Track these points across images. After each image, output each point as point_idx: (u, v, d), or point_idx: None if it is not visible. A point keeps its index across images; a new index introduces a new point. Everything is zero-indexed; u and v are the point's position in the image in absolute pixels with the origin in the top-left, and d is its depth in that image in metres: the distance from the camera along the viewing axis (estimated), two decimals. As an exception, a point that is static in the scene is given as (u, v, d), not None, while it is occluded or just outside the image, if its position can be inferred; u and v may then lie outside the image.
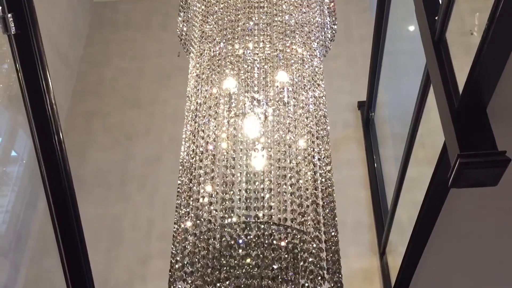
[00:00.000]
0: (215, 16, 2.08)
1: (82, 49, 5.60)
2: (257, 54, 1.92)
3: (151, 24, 5.83)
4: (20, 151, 4.55)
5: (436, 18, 2.02)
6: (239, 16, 2.00)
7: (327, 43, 2.33)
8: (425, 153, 3.50)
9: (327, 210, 1.75)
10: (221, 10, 2.06)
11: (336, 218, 1.83)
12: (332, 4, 2.34)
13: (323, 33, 2.28)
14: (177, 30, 2.40)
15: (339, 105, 4.81)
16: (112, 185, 4.70)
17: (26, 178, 4.40)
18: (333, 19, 2.31)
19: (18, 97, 2.36)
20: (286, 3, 2.07)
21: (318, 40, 2.15)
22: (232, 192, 1.63)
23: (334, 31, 2.33)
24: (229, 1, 2.06)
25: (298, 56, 1.97)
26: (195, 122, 1.85)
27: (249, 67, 1.92)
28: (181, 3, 2.32)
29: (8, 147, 4.43)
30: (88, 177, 4.68)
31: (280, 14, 2.03)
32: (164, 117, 5.09)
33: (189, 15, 2.40)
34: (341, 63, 5.02)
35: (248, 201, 1.61)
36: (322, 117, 1.90)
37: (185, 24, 2.35)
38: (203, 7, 2.16)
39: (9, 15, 1.85)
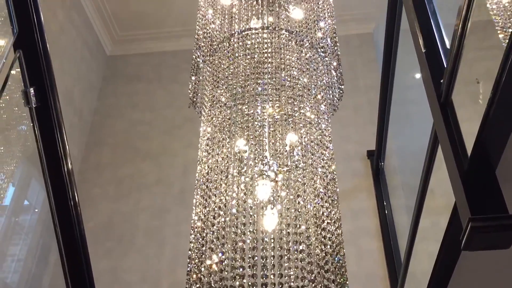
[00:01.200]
0: (225, 81, 2.14)
1: (96, 102, 5.73)
2: (266, 119, 1.96)
3: (162, 76, 5.97)
4: (33, 200, 4.59)
5: (442, 81, 2.05)
6: (248, 82, 2.06)
7: (335, 101, 2.37)
8: (437, 203, 3.48)
9: (337, 274, 1.74)
10: (230, 76, 2.12)
11: (348, 282, 1.82)
12: (339, 65, 2.40)
13: (330, 93, 2.33)
14: (189, 92, 2.46)
15: (348, 155, 4.83)
16: (123, 237, 4.70)
17: (39, 228, 4.42)
18: (340, 80, 2.37)
19: (34, 154, 2.41)
20: (294, 68, 2.13)
21: (325, 102, 2.20)
22: (242, 258, 1.63)
23: (341, 91, 2.38)
24: (238, 67, 2.12)
25: (307, 120, 2.00)
26: (207, 187, 1.87)
27: (259, 131, 1.96)
28: (192, 68, 2.39)
29: (21, 196, 4.48)
30: (99, 229, 4.69)
31: (289, 79, 2.08)
32: (174, 167, 5.14)
33: (200, 78, 2.47)
34: (348, 112, 5.08)
35: (257, 268, 1.61)
36: (331, 180, 1.91)
37: (196, 86, 2.41)
38: (213, 72, 2.23)
39: (31, 89, 1.93)
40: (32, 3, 1.93)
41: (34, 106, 1.97)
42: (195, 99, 2.42)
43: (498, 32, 2.64)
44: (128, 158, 5.26)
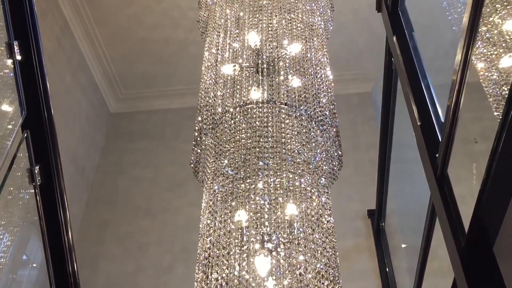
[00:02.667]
0: (226, 154, 2.21)
1: (98, 159, 5.80)
2: (267, 194, 2.00)
3: (165, 133, 6.07)
4: (31, 255, 4.56)
5: (437, 155, 2.11)
6: (250, 156, 2.12)
7: (334, 171, 2.42)
8: (439, 264, 3.47)
9: None
10: (232, 149, 2.18)
11: None
12: (338, 136, 2.47)
13: (330, 164, 2.39)
14: (191, 160, 2.52)
15: (349, 214, 4.84)
16: (122, 298, 4.64)
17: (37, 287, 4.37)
18: (339, 151, 2.43)
19: (34, 214, 2.44)
20: (295, 141, 2.19)
21: (325, 174, 2.25)
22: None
23: (341, 162, 2.44)
24: (240, 141, 2.19)
25: (307, 195, 2.05)
26: (209, 262, 1.89)
27: (259, 204, 2.00)
28: (194, 139, 2.46)
29: (20, 251, 4.45)
30: (99, 290, 4.64)
31: (289, 153, 2.14)
32: (176, 226, 5.13)
33: (202, 147, 2.53)
34: (349, 171, 5.12)
35: None
36: (332, 256, 1.93)
37: (198, 156, 2.47)
38: (215, 144, 2.29)
39: (36, 167, 2.00)
40: (41, 85, 2.03)
41: (38, 184, 2.03)
42: (197, 169, 2.47)
43: (491, 101, 2.73)
44: (129, 216, 5.27)
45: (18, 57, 1.95)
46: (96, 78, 5.81)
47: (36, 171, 1.99)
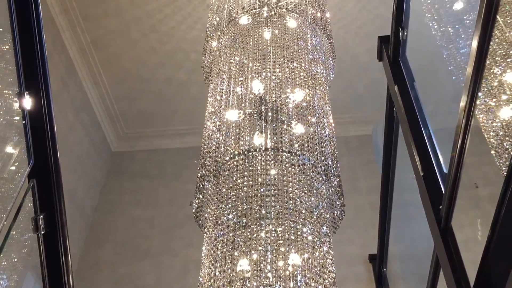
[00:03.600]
0: (228, 202, 2.20)
1: (98, 198, 5.77)
2: (269, 244, 1.98)
3: (165, 173, 6.06)
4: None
5: (440, 207, 2.11)
6: (251, 204, 2.11)
7: (336, 220, 2.41)
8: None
9: None
10: (234, 197, 2.17)
11: None
12: (340, 185, 2.47)
13: (332, 213, 2.38)
14: (191, 202, 2.50)
15: (350, 258, 4.78)
16: None
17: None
18: (342, 200, 2.42)
19: (35, 258, 2.40)
20: (298, 190, 2.19)
21: (327, 222, 2.24)
22: None
23: (343, 211, 2.43)
24: (242, 189, 2.19)
25: (309, 244, 2.03)
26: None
27: (261, 253, 1.98)
28: (197, 186, 2.45)
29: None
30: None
31: (291, 202, 2.14)
32: (174, 268, 5.06)
33: (204, 191, 2.52)
34: (349, 214, 5.06)
35: None
36: (335, 309, 1.90)
37: (200, 204, 2.46)
38: (217, 191, 2.29)
39: (41, 216, 1.99)
40: (49, 135, 2.05)
41: (42, 232, 2.02)
42: (198, 215, 2.46)
43: (493, 153, 2.74)
44: (127, 256, 5.19)
45: (28, 107, 1.97)
46: (98, 117, 5.85)
47: (40, 220, 1.98)
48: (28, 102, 1.97)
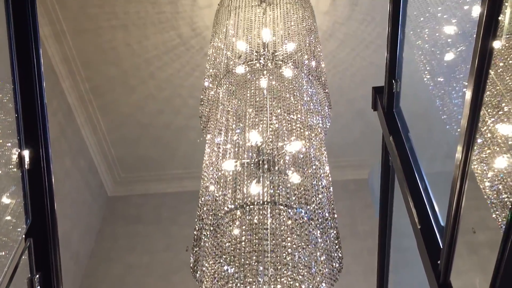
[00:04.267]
0: (226, 257, 2.18)
1: (93, 244, 5.70)
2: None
3: (161, 218, 6.02)
4: None
5: (439, 262, 2.10)
6: (249, 260, 2.09)
7: (335, 272, 2.39)
8: None
9: None
10: (232, 252, 2.16)
11: None
12: (338, 237, 2.46)
13: (330, 266, 2.36)
14: (190, 257, 2.48)
15: (349, 306, 4.69)
16: None
17: None
18: (340, 252, 2.41)
19: None
20: (295, 244, 2.18)
21: (325, 278, 2.22)
22: None
23: (341, 264, 2.41)
24: (240, 243, 2.18)
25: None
26: None
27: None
28: (194, 239, 2.44)
29: None
30: None
31: (289, 258, 2.12)
32: (169, 317, 4.96)
33: (200, 245, 2.50)
34: (347, 260, 5.01)
35: None
36: None
37: (197, 256, 2.43)
38: (214, 245, 2.27)
39: (36, 275, 1.98)
40: (48, 195, 2.06)
41: (37, 294, 2.00)
42: (196, 268, 2.43)
43: (489, 204, 2.75)
44: (121, 305, 5.09)
45: (27, 166, 1.99)
46: (95, 162, 5.86)
47: (36, 279, 1.96)
48: (27, 160, 1.99)
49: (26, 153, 2.00)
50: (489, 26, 1.72)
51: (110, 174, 6.22)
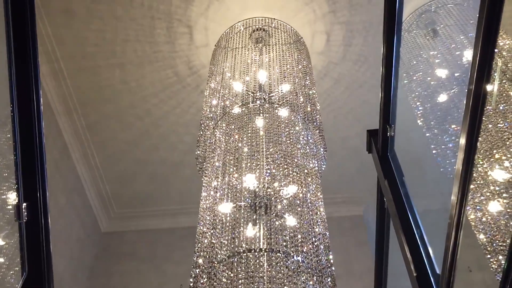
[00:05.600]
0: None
1: (86, 282, 5.62)
2: None
3: (155, 255, 5.97)
4: None
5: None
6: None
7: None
8: None
9: None
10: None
11: None
12: (335, 283, 2.46)
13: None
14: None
15: None
16: None
17: None
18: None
19: None
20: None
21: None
22: None
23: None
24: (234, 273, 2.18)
25: None
26: None
27: None
28: (190, 285, 2.43)
29: None
30: None
31: None
32: None
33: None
34: (344, 300, 5.00)
35: None
36: None
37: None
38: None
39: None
40: (45, 248, 2.06)
41: None
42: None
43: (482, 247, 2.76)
44: None
45: (25, 219, 2.00)
46: (90, 198, 5.84)
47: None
48: (25, 215, 2.00)
49: (24, 206, 2.01)
50: (482, 70, 1.75)
51: (105, 210, 6.19)
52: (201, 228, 2.64)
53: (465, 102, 3.28)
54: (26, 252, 2.03)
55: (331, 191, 5.70)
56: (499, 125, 2.79)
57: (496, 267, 2.43)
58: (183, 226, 6.05)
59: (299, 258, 2.30)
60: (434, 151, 3.36)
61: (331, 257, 2.54)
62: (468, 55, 3.64)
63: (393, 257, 4.39)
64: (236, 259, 2.32)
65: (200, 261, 2.44)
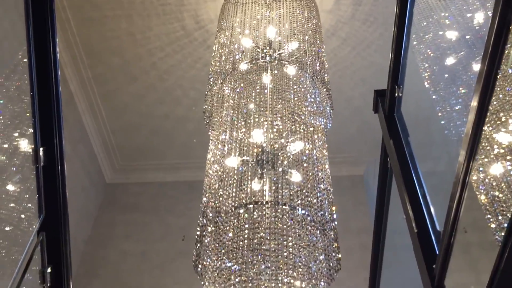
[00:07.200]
0: (228, 254, 2.24)
1: (90, 231, 5.74)
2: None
3: (159, 207, 6.06)
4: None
5: (434, 266, 2.17)
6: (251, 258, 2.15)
7: (332, 271, 2.45)
8: None
9: None
10: (235, 250, 2.22)
11: None
12: (337, 238, 2.52)
13: (328, 264, 2.42)
14: (193, 256, 2.53)
15: (340, 302, 4.78)
16: None
17: None
18: (338, 255, 2.47)
19: None
20: (296, 244, 2.24)
21: (324, 277, 2.28)
22: None
23: (339, 264, 2.47)
24: (244, 241, 2.23)
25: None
26: None
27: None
28: (197, 236, 2.49)
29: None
30: None
31: (291, 256, 2.18)
32: (164, 305, 5.03)
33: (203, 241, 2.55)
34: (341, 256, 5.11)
35: None
36: None
37: (199, 251, 2.49)
38: (217, 241, 2.33)
39: (48, 268, 2.02)
40: (61, 191, 2.10)
41: (48, 285, 2.04)
42: (197, 263, 2.49)
43: (483, 210, 2.82)
44: (116, 292, 5.15)
45: (42, 163, 2.03)
46: (95, 149, 5.89)
47: (47, 272, 2.01)
48: (42, 158, 2.03)
49: (41, 151, 2.04)
50: (501, 29, 1.72)
51: (109, 162, 6.25)
52: (209, 180, 2.68)
53: (474, 65, 3.25)
54: (44, 195, 2.07)
55: (332, 151, 5.71)
56: (507, 88, 2.77)
57: (495, 226, 2.48)
58: (186, 180, 6.12)
59: (304, 211, 2.35)
60: (439, 114, 3.36)
61: (334, 212, 2.59)
62: (479, 17, 3.58)
63: (392, 216, 4.46)
64: (242, 210, 2.36)
65: (207, 211, 2.49)
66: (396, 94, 2.93)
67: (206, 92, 3.54)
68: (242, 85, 3.07)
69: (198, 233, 2.50)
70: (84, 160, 5.66)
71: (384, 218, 4.11)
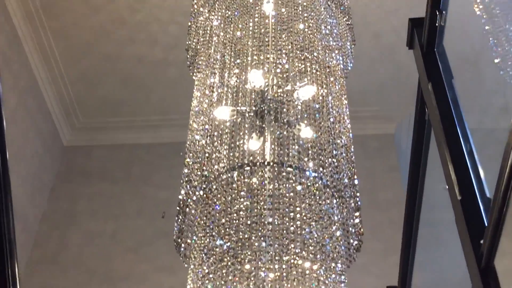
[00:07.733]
0: (220, 228, 2.26)
1: (45, 206, 5.80)
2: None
3: (131, 175, 6.11)
4: None
5: (482, 242, 2.18)
6: (248, 235, 2.17)
7: (351, 250, 2.49)
8: None
9: None
10: (228, 224, 2.24)
11: None
12: (359, 209, 2.54)
13: (347, 242, 2.45)
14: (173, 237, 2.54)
15: (364, 291, 4.87)
16: None
17: None
18: (359, 228, 2.49)
19: None
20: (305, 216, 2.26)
21: (342, 258, 2.31)
22: None
23: (360, 242, 2.50)
24: (238, 213, 2.25)
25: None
26: None
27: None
28: (179, 207, 2.51)
29: None
30: None
31: (298, 231, 2.21)
32: (141, 297, 5.13)
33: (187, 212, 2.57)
34: (364, 236, 5.17)
35: None
36: None
37: (182, 228, 2.51)
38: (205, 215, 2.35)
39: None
40: None
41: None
42: (180, 242, 2.51)
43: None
44: (80, 282, 5.24)
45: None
46: (48, 103, 5.87)
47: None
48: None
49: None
50: None
51: (67, 119, 6.25)
52: (193, 135, 2.67)
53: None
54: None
55: (355, 104, 5.70)
56: None
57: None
58: (166, 141, 6.13)
59: (315, 174, 2.35)
60: (493, 49, 3.32)
61: (355, 175, 2.59)
62: None
63: (430, 184, 4.48)
64: (235, 173, 2.37)
65: (192, 175, 2.50)
66: (437, 23, 2.88)
67: (189, 24, 3.49)
68: (236, 12, 3.02)
69: (180, 203, 2.52)
70: (35, 117, 5.66)
71: (420, 187, 4.13)
